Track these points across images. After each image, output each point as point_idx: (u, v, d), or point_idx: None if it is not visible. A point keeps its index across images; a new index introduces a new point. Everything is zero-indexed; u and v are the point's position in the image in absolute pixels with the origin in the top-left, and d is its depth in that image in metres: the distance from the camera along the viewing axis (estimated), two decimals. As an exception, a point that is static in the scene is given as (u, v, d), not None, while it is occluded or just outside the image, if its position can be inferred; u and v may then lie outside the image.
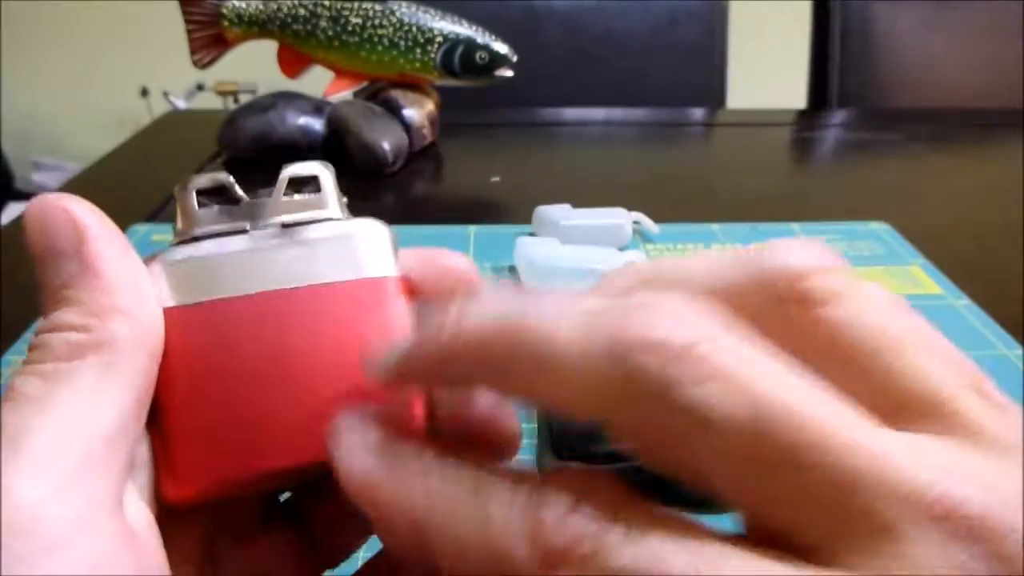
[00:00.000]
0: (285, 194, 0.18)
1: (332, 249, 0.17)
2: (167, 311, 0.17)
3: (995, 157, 0.84)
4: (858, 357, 0.14)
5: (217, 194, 0.17)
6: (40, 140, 2.35)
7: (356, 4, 0.74)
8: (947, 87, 1.12)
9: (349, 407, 0.15)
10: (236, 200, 0.18)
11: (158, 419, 0.16)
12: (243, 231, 0.17)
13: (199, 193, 0.17)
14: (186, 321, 0.17)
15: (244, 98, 2.11)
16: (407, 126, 0.77)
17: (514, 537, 0.13)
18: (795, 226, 0.63)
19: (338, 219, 0.18)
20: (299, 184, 0.18)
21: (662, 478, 0.31)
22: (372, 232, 0.18)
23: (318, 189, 0.18)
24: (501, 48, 0.74)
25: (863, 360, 0.14)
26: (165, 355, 0.16)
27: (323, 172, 0.18)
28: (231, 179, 0.17)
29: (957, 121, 0.95)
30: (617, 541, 0.12)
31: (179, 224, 0.17)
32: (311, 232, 0.17)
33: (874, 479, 0.12)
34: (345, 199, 0.18)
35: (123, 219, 0.64)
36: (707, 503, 0.20)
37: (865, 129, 0.94)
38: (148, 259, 0.17)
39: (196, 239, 0.17)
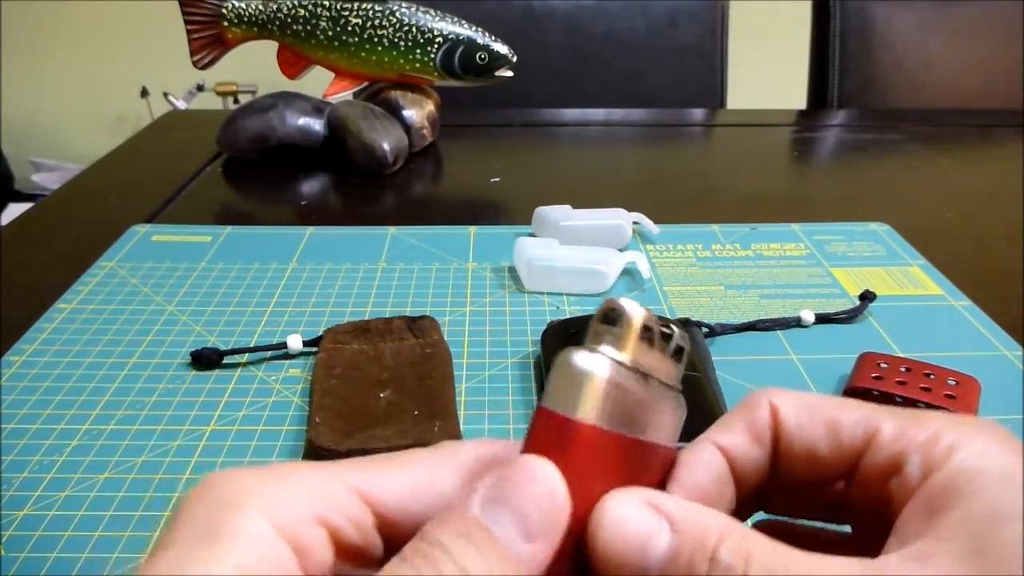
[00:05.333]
0: (674, 351, 0.19)
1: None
2: (583, 426, 0.17)
3: (995, 157, 0.84)
4: None
5: (652, 331, 0.18)
6: (40, 140, 2.35)
7: (356, 4, 0.74)
8: (947, 87, 1.12)
9: None
10: (652, 339, 0.18)
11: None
12: (675, 389, 0.19)
13: (641, 323, 0.18)
14: (606, 445, 0.17)
15: (244, 98, 2.10)
16: (407, 127, 0.77)
17: None
18: (795, 226, 0.63)
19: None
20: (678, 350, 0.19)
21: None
22: None
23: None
24: (501, 48, 0.74)
25: None
26: (580, 465, 0.17)
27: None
28: (680, 331, 0.19)
29: (957, 121, 0.95)
30: None
31: (627, 347, 0.18)
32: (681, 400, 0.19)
33: None
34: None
35: (123, 219, 0.64)
36: None
37: (865, 129, 0.94)
38: (593, 356, 0.18)
39: (638, 371, 0.18)
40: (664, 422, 0.19)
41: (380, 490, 0.17)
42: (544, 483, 0.16)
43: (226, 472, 0.17)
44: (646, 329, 0.18)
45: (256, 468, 0.17)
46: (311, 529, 0.16)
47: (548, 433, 0.17)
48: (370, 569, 0.17)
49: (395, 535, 0.17)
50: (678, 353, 0.19)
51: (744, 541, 0.16)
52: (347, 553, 0.17)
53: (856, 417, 0.19)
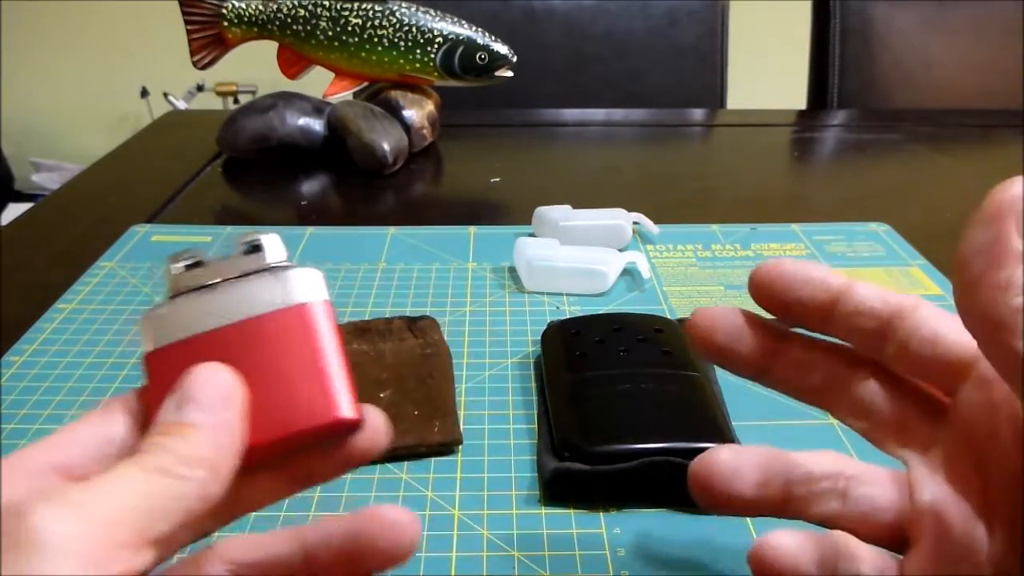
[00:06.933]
0: (243, 255, 0.23)
1: (272, 287, 0.22)
2: (154, 353, 0.22)
3: (995, 157, 0.84)
4: None
5: (196, 262, 0.23)
6: (40, 140, 2.35)
7: (356, 5, 0.74)
8: (947, 87, 1.12)
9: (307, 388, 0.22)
10: (204, 264, 0.23)
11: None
12: (207, 286, 0.22)
13: (179, 262, 0.23)
14: (170, 357, 0.22)
15: (244, 98, 2.11)
16: (407, 127, 0.77)
17: None
18: (795, 227, 0.63)
19: (279, 267, 0.23)
20: (255, 247, 0.23)
21: (657, 481, 0.32)
22: (305, 272, 0.23)
23: (263, 249, 0.23)
24: (501, 48, 0.74)
25: None
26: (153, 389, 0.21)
27: (265, 237, 0.23)
28: (201, 251, 0.23)
29: (957, 121, 0.95)
30: None
31: (166, 288, 0.23)
32: (257, 278, 0.23)
33: None
34: (287, 254, 0.24)
35: (123, 219, 0.64)
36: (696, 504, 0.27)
37: (865, 129, 0.94)
38: (140, 319, 0.22)
39: (174, 297, 0.23)
40: (241, 299, 0.22)
41: (65, 456, 0.20)
42: (208, 374, 0.21)
43: None
44: (187, 263, 0.23)
45: None
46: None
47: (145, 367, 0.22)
48: None
49: None
50: (252, 250, 0.23)
51: None
52: None
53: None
